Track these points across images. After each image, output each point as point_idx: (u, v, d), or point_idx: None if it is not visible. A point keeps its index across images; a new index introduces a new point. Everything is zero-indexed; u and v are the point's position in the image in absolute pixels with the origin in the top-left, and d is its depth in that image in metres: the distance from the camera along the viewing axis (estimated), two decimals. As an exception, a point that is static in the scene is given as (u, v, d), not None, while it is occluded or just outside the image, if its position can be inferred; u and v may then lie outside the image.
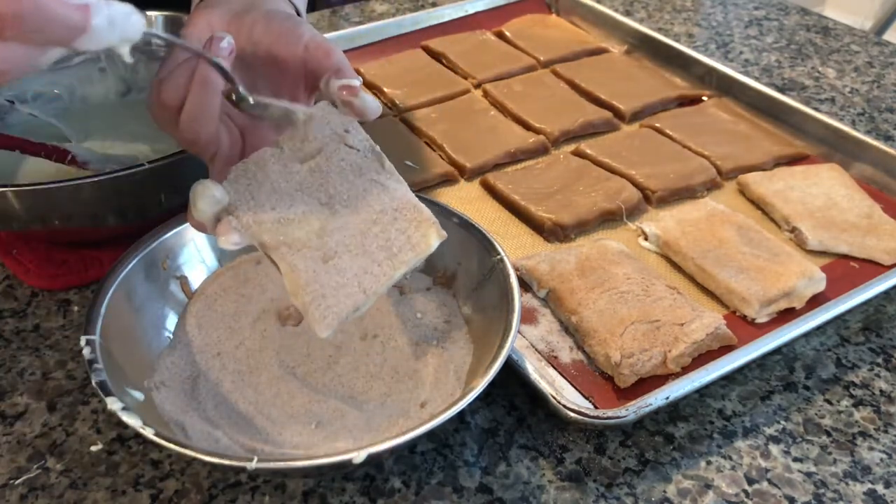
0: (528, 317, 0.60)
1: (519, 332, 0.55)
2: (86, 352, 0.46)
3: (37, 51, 0.36)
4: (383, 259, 0.47)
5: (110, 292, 0.50)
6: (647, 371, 0.53)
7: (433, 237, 0.47)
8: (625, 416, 0.49)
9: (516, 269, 0.61)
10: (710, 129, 0.79)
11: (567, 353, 0.57)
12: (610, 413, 0.50)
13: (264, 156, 0.48)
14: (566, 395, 0.51)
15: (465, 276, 0.56)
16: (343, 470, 0.49)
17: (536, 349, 0.57)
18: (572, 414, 0.49)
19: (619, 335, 0.54)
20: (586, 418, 0.49)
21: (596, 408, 0.52)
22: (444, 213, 0.56)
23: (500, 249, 0.53)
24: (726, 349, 0.56)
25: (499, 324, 0.50)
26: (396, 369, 0.53)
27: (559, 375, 0.54)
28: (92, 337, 0.47)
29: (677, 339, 0.54)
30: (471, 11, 1.01)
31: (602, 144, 0.77)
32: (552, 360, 0.56)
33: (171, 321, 0.54)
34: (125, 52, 0.38)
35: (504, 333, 0.48)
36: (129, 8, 0.38)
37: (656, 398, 0.50)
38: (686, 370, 0.54)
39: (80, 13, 0.35)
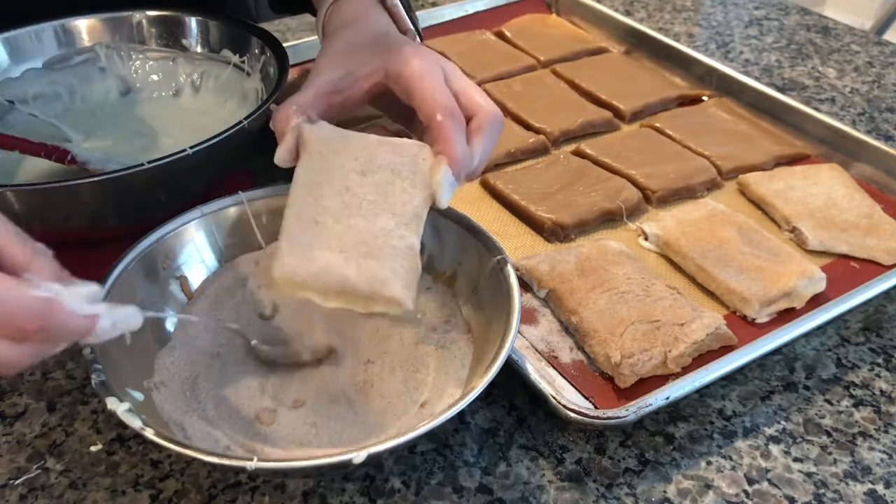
0: (529, 317, 0.60)
1: (519, 332, 0.55)
2: (86, 352, 0.46)
3: (45, 347, 0.41)
4: (361, 263, 0.48)
5: (110, 292, 0.50)
6: (647, 371, 0.53)
7: (399, 302, 0.47)
8: (625, 417, 0.49)
9: (516, 269, 0.61)
10: (710, 129, 0.79)
11: (567, 354, 0.56)
12: (610, 413, 0.50)
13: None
14: (566, 396, 0.51)
15: (466, 276, 0.56)
16: (343, 470, 0.49)
17: (536, 349, 0.57)
18: (572, 414, 0.49)
19: (619, 335, 0.54)
20: (586, 418, 0.49)
21: (596, 408, 0.52)
22: (444, 213, 0.56)
23: (500, 249, 0.53)
24: (726, 349, 0.56)
25: (499, 324, 0.50)
26: (396, 369, 0.53)
27: (559, 375, 0.54)
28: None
29: (677, 340, 0.54)
30: (471, 11, 1.01)
31: (602, 144, 0.76)
32: (552, 361, 0.56)
33: (171, 321, 0.54)
34: (126, 336, 0.44)
35: (504, 333, 0.48)
36: (133, 310, 0.43)
37: (656, 398, 0.50)
38: (686, 370, 0.54)
39: (88, 322, 0.40)
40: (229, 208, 0.57)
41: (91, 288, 0.41)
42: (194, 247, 0.57)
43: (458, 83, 0.55)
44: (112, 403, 0.43)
